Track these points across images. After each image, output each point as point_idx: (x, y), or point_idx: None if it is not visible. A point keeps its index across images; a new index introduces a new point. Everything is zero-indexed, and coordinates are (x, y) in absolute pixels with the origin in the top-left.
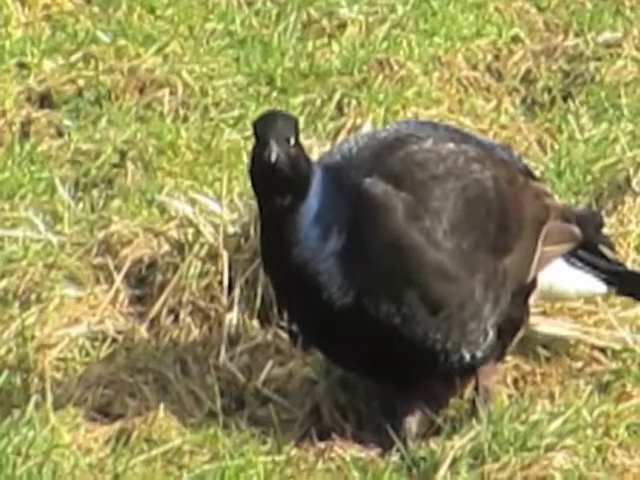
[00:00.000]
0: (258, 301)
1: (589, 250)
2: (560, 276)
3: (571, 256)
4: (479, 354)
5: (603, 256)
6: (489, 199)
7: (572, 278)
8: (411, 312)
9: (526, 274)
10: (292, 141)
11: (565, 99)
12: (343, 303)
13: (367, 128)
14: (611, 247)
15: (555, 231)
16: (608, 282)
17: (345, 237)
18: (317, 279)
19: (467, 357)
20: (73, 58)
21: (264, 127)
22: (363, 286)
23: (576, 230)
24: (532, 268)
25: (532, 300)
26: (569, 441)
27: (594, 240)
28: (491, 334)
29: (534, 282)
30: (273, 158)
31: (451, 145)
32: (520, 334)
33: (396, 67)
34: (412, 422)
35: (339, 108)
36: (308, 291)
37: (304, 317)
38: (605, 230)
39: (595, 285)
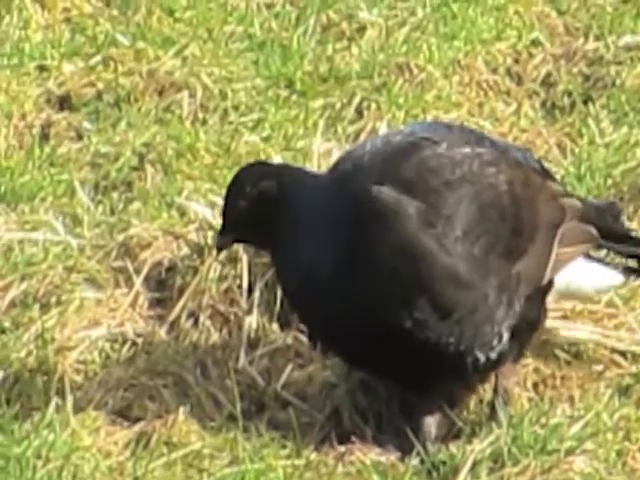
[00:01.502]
0: (278, 304)
1: (607, 239)
2: (576, 274)
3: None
4: (493, 355)
5: (622, 237)
6: (503, 204)
7: (588, 274)
8: (423, 317)
9: (541, 277)
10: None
11: (585, 103)
12: (353, 314)
13: (383, 130)
14: (631, 234)
15: (572, 232)
16: (625, 269)
17: (348, 251)
18: (323, 297)
19: (482, 359)
20: (92, 61)
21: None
22: (374, 293)
23: (593, 231)
24: (547, 270)
25: (549, 300)
26: (589, 445)
27: (613, 229)
28: (505, 336)
29: (550, 283)
30: (215, 251)
31: (466, 149)
32: (537, 334)
33: (416, 70)
34: (432, 425)
35: (359, 111)
36: (318, 307)
37: (317, 328)
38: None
39: (611, 277)
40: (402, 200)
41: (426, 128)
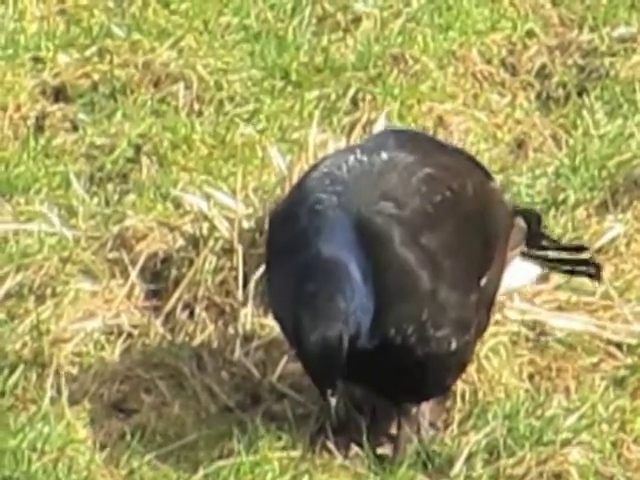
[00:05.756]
0: None
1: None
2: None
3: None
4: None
5: (543, 238)
6: (477, 218)
7: (513, 271)
8: (420, 335)
9: (500, 284)
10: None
11: (580, 94)
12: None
13: (381, 123)
14: (552, 240)
15: (515, 234)
16: (538, 259)
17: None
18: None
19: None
20: (88, 52)
21: None
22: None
23: (522, 223)
24: (503, 277)
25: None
26: (585, 436)
27: (537, 233)
28: (472, 334)
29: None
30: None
31: (428, 169)
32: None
33: (411, 61)
34: (426, 412)
35: (354, 102)
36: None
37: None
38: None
39: (531, 270)
40: (388, 222)
41: (391, 147)
